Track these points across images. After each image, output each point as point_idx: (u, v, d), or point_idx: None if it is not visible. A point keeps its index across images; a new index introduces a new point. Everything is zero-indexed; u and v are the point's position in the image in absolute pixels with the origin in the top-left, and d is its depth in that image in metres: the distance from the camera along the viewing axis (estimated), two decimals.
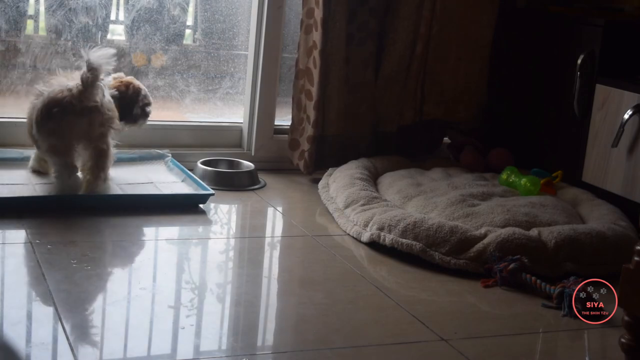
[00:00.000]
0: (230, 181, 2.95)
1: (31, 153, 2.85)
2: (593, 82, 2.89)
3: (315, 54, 3.00)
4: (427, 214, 2.55)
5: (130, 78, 2.81)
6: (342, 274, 2.26)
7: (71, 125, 2.49)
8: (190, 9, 3.35)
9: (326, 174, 3.01)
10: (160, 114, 3.15)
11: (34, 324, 1.79)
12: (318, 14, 2.96)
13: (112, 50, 2.50)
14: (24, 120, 3.06)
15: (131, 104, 2.76)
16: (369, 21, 3.11)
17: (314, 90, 3.02)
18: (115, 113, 2.60)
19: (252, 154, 3.21)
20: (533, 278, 2.23)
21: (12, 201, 2.46)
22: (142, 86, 2.82)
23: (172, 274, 2.16)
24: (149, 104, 2.83)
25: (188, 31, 3.40)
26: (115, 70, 2.73)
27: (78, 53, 2.48)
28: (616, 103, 2.78)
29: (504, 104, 3.37)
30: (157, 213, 2.57)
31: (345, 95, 3.10)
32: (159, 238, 2.43)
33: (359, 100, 3.14)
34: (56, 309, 1.85)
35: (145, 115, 2.82)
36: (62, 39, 3.07)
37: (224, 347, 1.85)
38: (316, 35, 2.99)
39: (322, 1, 2.94)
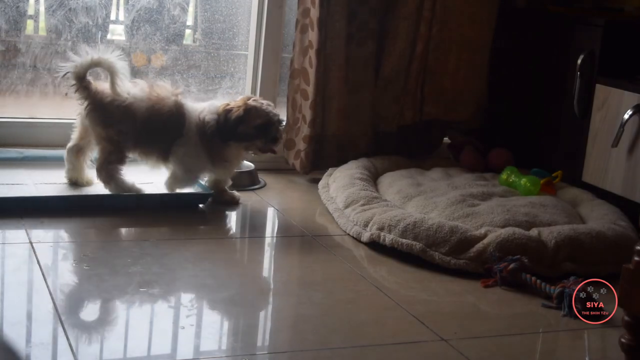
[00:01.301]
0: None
1: (30, 153, 2.85)
2: (593, 82, 2.89)
3: (311, 53, 3.00)
4: (427, 214, 2.55)
5: (240, 100, 2.64)
6: (342, 274, 2.26)
7: None
8: (190, 9, 3.35)
9: (326, 174, 3.01)
10: None
11: (34, 324, 1.79)
12: (314, 13, 2.96)
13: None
14: (24, 120, 3.06)
15: (227, 125, 2.58)
16: (369, 21, 3.11)
17: (310, 89, 3.02)
18: (94, 118, 2.56)
19: (252, 154, 3.21)
20: (533, 278, 2.23)
21: (12, 201, 2.46)
22: (254, 107, 2.60)
23: (172, 274, 2.15)
24: (265, 125, 2.60)
25: (188, 31, 3.40)
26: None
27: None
28: (616, 103, 2.78)
29: (504, 104, 3.37)
30: (157, 213, 2.57)
31: (345, 95, 3.10)
32: (159, 238, 2.43)
33: (359, 100, 3.14)
34: (56, 309, 1.85)
35: (256, 135, 2.61)
36: (62, 39, 3.08)
37: (224, 347, 1.85)
38: (312, 35, 2.99)
39: (318, 1, 2.94)
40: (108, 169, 2.58)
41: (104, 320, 1.88)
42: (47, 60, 3.09)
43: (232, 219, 2.76)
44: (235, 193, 2.77)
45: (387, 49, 3.16)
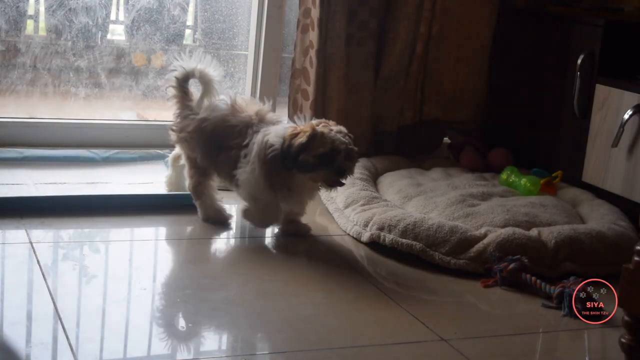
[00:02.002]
0: None
1: (30, 153, 2.86)
2: (593, 82, 2.89)
3: (312, 53, 3.00)
4: (427, 214, 2.55)
5: (308, 125, 2.36)
6: (342, 274, 2.26)
7: None
8: (190, 9, 3.35)
9: None
10: (160, 114, 3.15)
11: (34, 324, 1.79)
12: (315, 13, 2.97)
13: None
14: (24, 120, 3.06)
15: (289, 152, 2.32)
16: (369, 21, 3.11)
17: (311, 89, 3.02)
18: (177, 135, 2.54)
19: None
20: (533, 278, 2.23)
21: (12, 201, 2.46)
22: (320, 133, 2.32)
23: (172, 274, 2.16)
24: (329, 154, 2.30)
25: (188, 31, 3.40)
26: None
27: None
28: (616, 103, 2.78)
29: (504, 104, 3.37)
30: (157, 213, 2.57)
31: (345, 95, 3.10)
32: (159, 238, 2.43)
33: (359, 100, 3.14)
34: (56, 309, 1.85)
35: (318, 165, 2.31)
36: (62, 39, 3.08)
37: (224, 347, 1.85)
38: (313, 35, 2.99)
39: (318, 1, 2.94)
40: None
41: (104, 320, 1.88)
42: (47, 60, 3.09)
43: (232, 219, 2.76)
44: (307, 225, 2.56)
45: (387, 49, 3.16)
